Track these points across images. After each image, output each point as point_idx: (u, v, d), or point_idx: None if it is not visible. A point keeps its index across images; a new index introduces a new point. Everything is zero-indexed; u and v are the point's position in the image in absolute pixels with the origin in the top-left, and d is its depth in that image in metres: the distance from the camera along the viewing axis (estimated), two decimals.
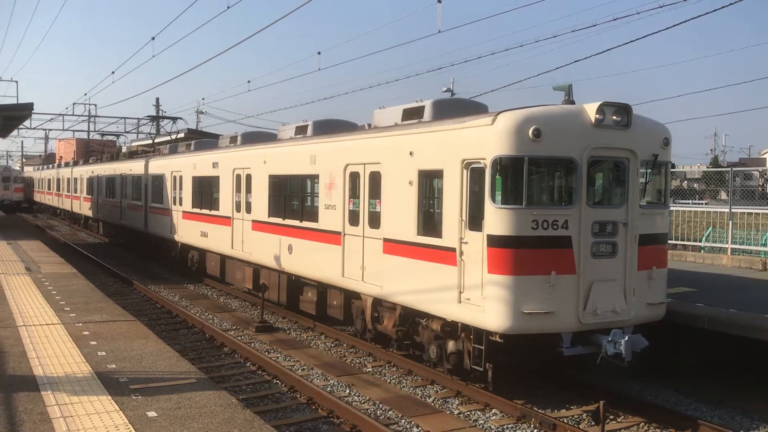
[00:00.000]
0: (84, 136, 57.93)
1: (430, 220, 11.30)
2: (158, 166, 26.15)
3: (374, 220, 12.58)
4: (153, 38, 25.37)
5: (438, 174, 10.94)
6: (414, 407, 10.44)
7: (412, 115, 12.61)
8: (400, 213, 11.81)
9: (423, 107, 12.41)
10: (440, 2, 19.37)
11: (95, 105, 59.71)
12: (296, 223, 15.49)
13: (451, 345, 10.96)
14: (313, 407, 10.34)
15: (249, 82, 43.91)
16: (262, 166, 17.18)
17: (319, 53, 24.75)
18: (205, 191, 21.10)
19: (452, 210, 10.53)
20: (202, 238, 21.23)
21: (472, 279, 10.13)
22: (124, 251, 31.11)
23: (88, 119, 50.42)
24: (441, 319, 10.96)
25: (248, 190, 18.08)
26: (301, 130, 16.64)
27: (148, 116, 41.21)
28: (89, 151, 56.86)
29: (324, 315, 15.07)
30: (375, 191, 12.60)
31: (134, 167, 29.44)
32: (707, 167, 59.58)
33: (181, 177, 23.31)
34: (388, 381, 11.82)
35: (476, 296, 10.02)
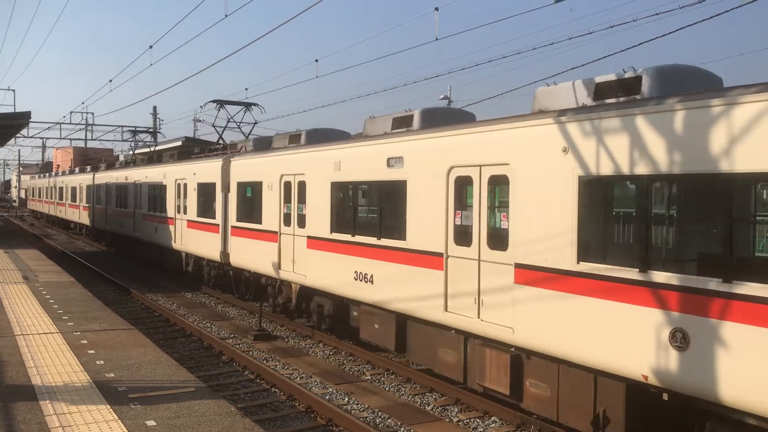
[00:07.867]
0: (81, 144, 57.95)
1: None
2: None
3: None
4: (151, 47, 25.23)
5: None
6: (413, 415, 10.43)
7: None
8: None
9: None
10: (437, 10, 19.43)
11: (92, 114, 59.90)
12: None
13: None
14: (312, 415, 10.33)
15: (246, 89, 43.95)
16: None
17: (316, 61, 24.74)
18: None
19: None
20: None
21: None
22: (122, 260, 31.04)
23: (85, 128, 50.40)
24: None
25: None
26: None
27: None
28: (86, 159, 56.84)
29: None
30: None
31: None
32: None
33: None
34: (387, 389, 11.81)
35: None
